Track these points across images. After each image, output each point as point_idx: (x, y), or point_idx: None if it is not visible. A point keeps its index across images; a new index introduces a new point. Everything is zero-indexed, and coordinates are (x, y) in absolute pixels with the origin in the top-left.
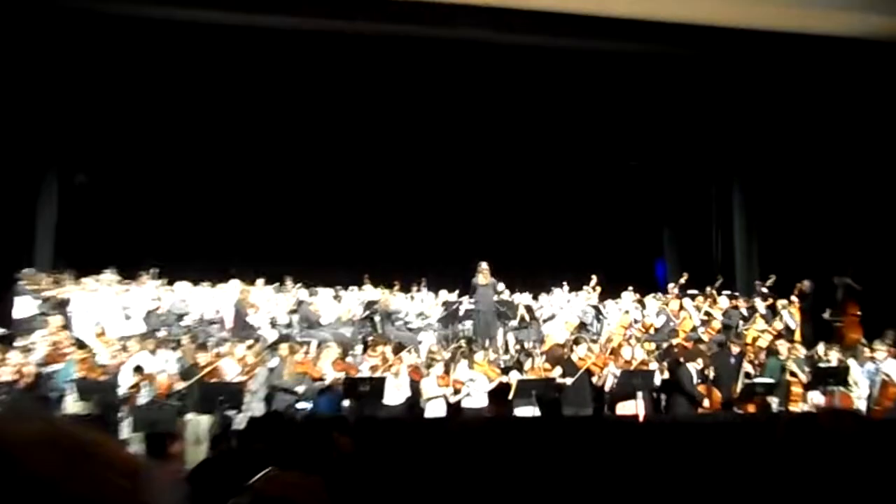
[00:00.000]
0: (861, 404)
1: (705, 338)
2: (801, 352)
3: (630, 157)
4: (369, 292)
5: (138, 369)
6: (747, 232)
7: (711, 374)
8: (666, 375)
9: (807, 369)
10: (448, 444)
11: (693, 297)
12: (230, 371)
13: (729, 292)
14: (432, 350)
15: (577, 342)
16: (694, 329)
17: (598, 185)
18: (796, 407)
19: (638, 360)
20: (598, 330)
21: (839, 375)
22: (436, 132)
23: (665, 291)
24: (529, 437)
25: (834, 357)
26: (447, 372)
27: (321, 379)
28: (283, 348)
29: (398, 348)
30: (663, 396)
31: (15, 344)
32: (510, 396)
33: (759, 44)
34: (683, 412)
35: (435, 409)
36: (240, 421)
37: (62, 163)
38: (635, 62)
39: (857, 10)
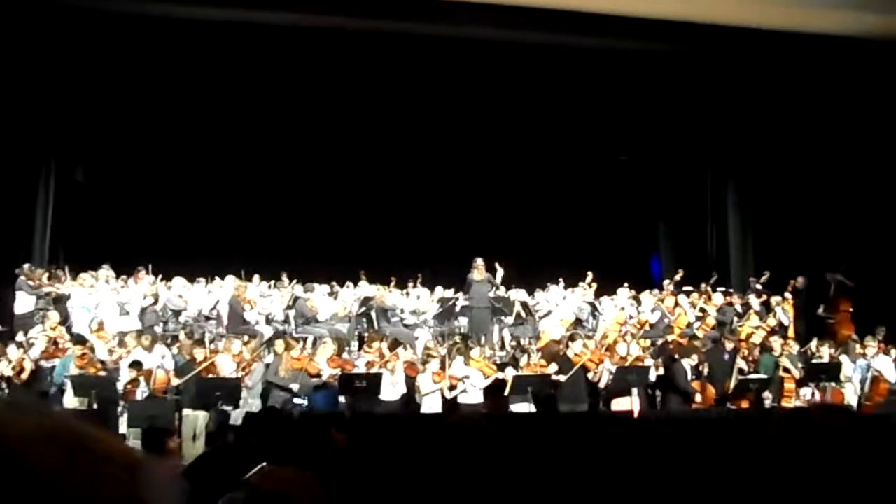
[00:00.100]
0: (852, 400)
1: (700, 334)
2: (795, 348)
3: (625, 154)
4: (365, 289)
5: (136, 365)
6: (742, 229)
7: (706, 370)
8: (661, 372)
9: (800, 365)
10: (444, 439)
11: (688, 293)
12: (226, 367)
13: (723, 289)
14: (428, 346)
15: (572, 338)
16: (689, 325)
17: (594, 182)
18: (789, 403)
19: (633, 357)
20: (594, 326)
21: (831, 372)
22: (430, 129)
23: (660, 288)
24: (525, 433)
25: (826, 353)
26: (443, 368)
27: (318, 375)
28: (280, 344)
29: (394, 344)
30: (658, 392)
31: (14, 339)
32: (506, 392)
33: (754, 41)
34: (678, 408)
35: (431, 405)
36: (236, 417)
37: (60, 159)
38: (631, 58)
39: (853, 8)
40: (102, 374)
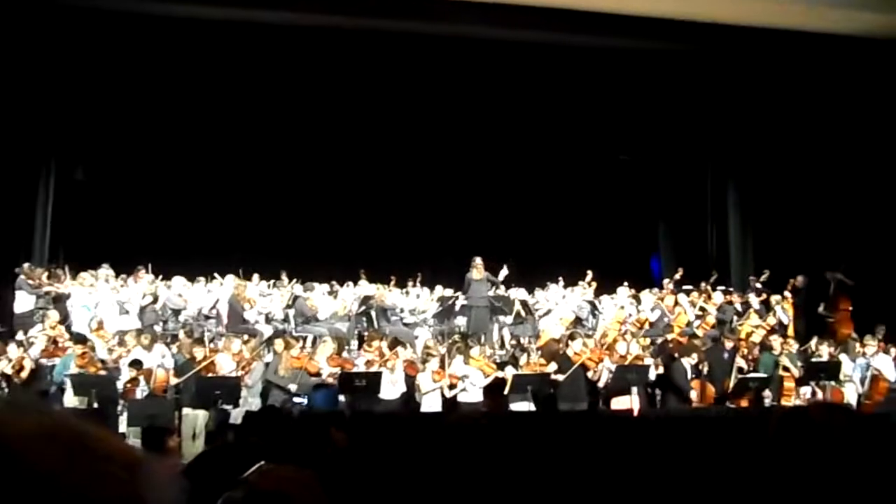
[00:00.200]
0: (852, 399)
1: (699, 333)
2: (794, 347)
3: (625, 153)
4: (365, 288)
5: (135, 364)
6: (742, 228)
7: (705, 368)
8: (661, 370)
9: (800, 364)
10: (443, 438)
11: (688, 292)
12: (226, 366)
13: (723, 288)
14: (428, 345)
15: (572, 337)
16: (688, 324)
17: (594, 181)
18: (789, 402)
19: (633, 355)
20: (594, 325)
21: (831, 370)
22: (430, 129)
23: (660, 287)
24: (525, 431)
25: (825, 352)
26: (443, 367)
27: (317, 374)
28: (279, 343)
29: (394, 343)
30: (658, 391)
31: (14, 338)
32: (506, 391)
33: (754, 40)
34: (678, 407)
35: (431, 404)
36: (236, 415)
37: (60, 159)
38: (631, 58)
39: (852, 7)
40: (103, 373)
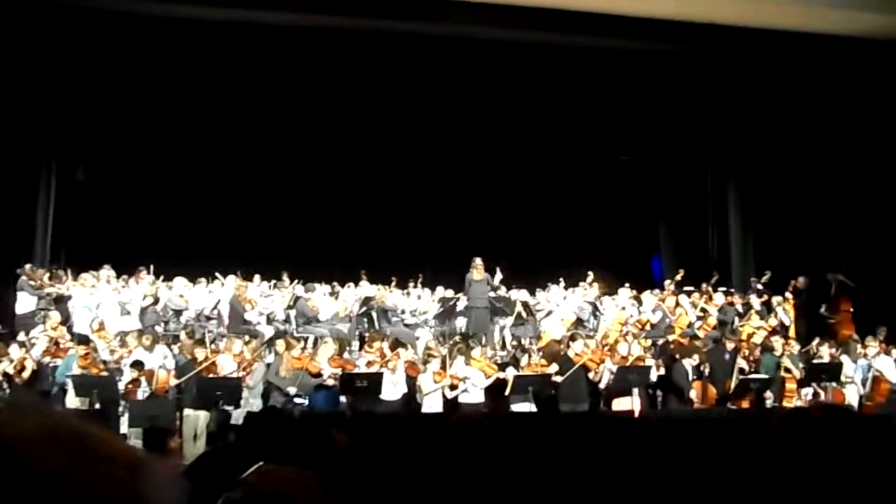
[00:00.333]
0: (853, 400)
1: (701, 334)
2: (796, 348)
3: (626, 154)
4: (366, 288)
5: (137, 365)
6: (743, 229)
7: (706, 370)
8: (662, 372)
9: (801, 365)
10: (444, 439)
11: (689, 293)
12: (227, 367)
13: (724, 289)
14: (429, 346)
15: (573, 338)
16: (690, 325)
17: (595, 182)
18: (790, 403)
19: (634, 357)
20: (595, 326)
21: (832, 372)
22: (431, 129)
23: (661, 288)
24: (526, 432)
25: (826, 353)
26: (444, 368)
27: (318, 375)
28: (280, 344)
29: (395, 344)
30: (659, 392)
31: (16, 339)
32: (507, 392)
33: (754, 41)
34: (679, 408)
35: (432, 405)
36: (237, 416)
37: (61, 160)
38: (631, 58)
39: (852, 7)
40: (104, 374)
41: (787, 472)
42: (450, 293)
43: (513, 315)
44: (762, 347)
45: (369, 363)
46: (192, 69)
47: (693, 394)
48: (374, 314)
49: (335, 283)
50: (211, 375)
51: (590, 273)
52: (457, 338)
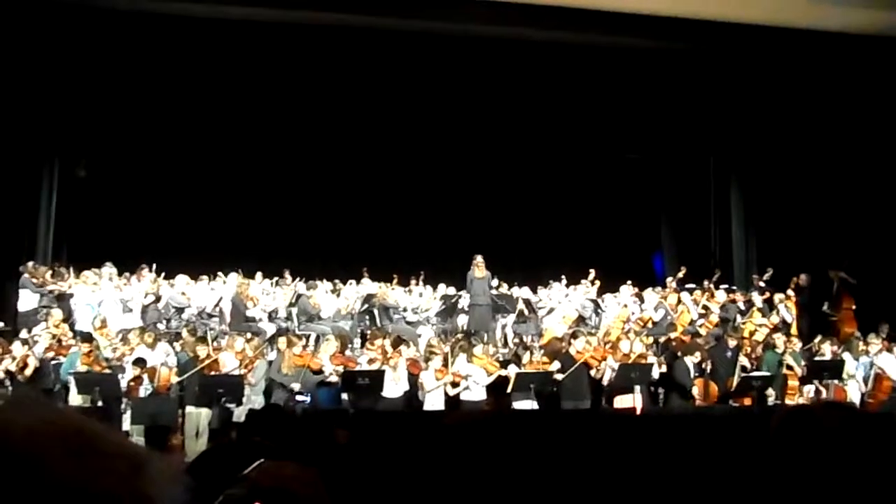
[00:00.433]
0: (855, 397)
1: (703, 331)
2: (798, 345)
3: (628, 151)
4: (367, 286)
5: (139, 362)
6: (745, 226)
7: (708, 367)
8: (664, 369)
9: (803, 363)
10: (446, 436)
11: (691, 290)
12: (229, 364)
13: (726, 286)
14: (431, 343)
15: (575, 336)
16: (691, 323)
17: (597, 179)
18: (792, 400)
19: (636, 354)
20: (597, 324)
21: (834, 369)
22: (434, 126)
23: (663, 285)
24: (528, 430)
25: (828, 350)
26: (446, 365)
27: (320, 371)
28: (282, 342)
29: (397, 342)
30: (661, 390)
31: (18, 336)
32: (509, 390)
33: (757, 38)
34: (681, 405)
35: (434, 402)
36: (239, 414)
37: (63, 157)
38: (633, 56)
39: (856, 4)
40: (108, 371)
41: (788, 469)
42: (451, 290)
43: (514, 312)
44: (764, 345)
45: (371, 360)
46: (195, 66)
47: (695, 391)
48: (375, 312)
49: (337, 281)
50: (213, 373)
51: (591, 270)
52: (459, 335)
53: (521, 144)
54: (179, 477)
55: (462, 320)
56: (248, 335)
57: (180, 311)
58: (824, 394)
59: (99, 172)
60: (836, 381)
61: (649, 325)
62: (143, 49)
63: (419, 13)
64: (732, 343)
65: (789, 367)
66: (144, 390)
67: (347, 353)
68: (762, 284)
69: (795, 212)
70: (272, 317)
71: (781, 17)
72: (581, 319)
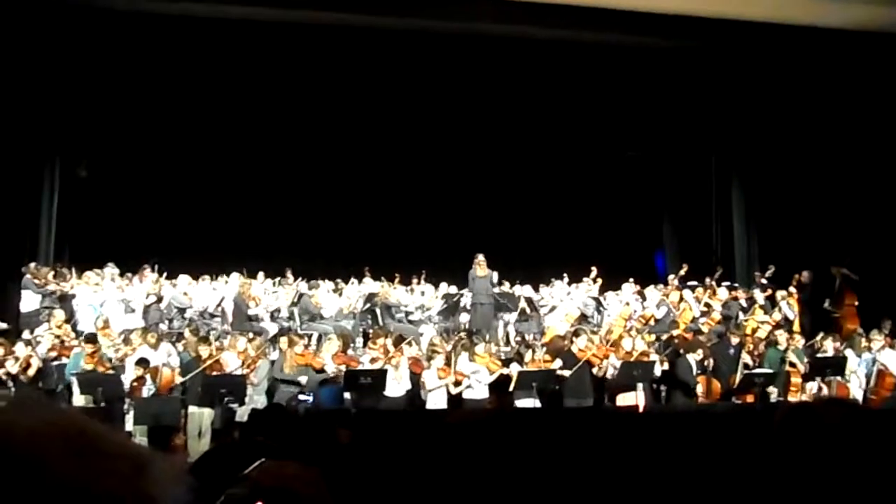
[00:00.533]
0: (858, 394)
1: (705, 329)
2: (800, 342)
3: (630, 149)
4: (369, 285)
5: (142, 362)
6: (746, 223)
7: (711, 364)
8: (666, 366)
9: (805, 360)
10: (448, 435)
11: (693, 288)
12: (232, 364)
13: (728, 283)
14: (433, 342)
15: (577, 334)
16: (694, 320)
17: (598, 177)
18: (795, 397)
19: (638, 352)
20: (599, 321)
21: (837, 366)
22: (435, 125)
23: (665, 283)
24: (530, 428)
25: (830, 347)
26: (448, 364)
27: (322, 370)
28: (284, 341)
29: (399, 340)
30: (663, 387)
31: (21, 337)
32: (511, 388)
33: (758, 35)
34: (683, 403)
35: (436, 401)
36: (242, 413)
37: (64, 157)
38: (634, 54)
39: (856, 1)
40: (111, 371)
41: (791, 466)
42: (453, 289)
43: (516, 311)
44: (766, 342)
45: (373, 360)
46: (196, 66)
47: (698, 389)
48: (377, 311)
49: (339, 280)
50: (215, 373)
51: (593, 268)
52: (462, 334)
53: (523, 142)
54: (182, 477)
55: (464, 319)
56: (251, 335)
57: (182, 311)
58: (825, 391)
59: (100, 172)
60: (838, 378)
61: (651, 322)
62: (144, 49)
63: (420, 12)
64: (735, 340)
65: (792, 364)
66: (147, 390)
67: (350, 352)
68: (764, 281)
69: (797, 208)
70: (274, 316)
71: (782, 14)
72: (583, 317)
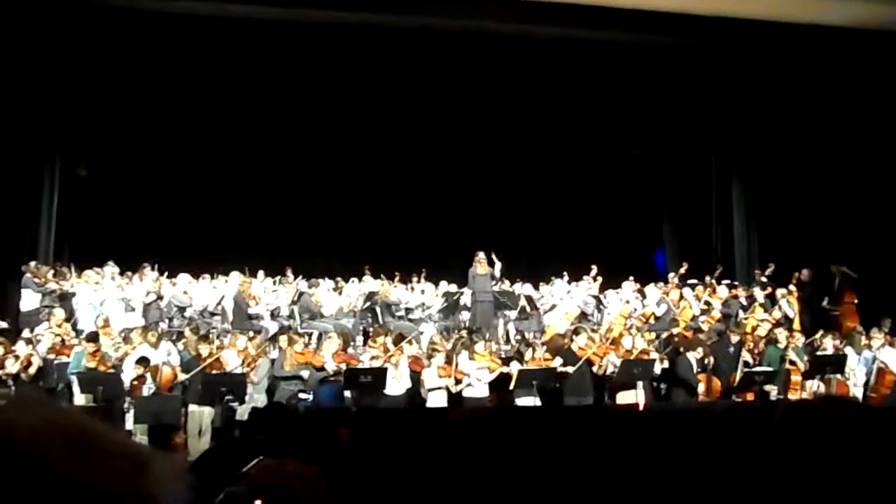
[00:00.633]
0: (858, 392)
1: (705, 327)
2: (800, 340)
3: (630, 147)
4: (369, 283)
5: (142, 361)
6: (746, 221)
7: (711, 362)
8: (666, 365)
9: (805, 358)
10: (448, 433)
11: (693, 286)
12: (232, 363)
13: (728, 282)
14: (434, 341)
15: (577, 332)
16: (694, 318)
17: (599, 176)
18: (795, 395)
19: (638, 350)
20: (599, 320)
21: (837, 364)
22: (436, 124)
23: (665, 281)
24: (530, 426)
25: (829, 345)
26: (448, 362)
27: (322, 368)
28: (283, 340)
29: (399, 339)
30: (663, 385)
31: (21, 336)
32: (511, 386)
33: (758, 33)
34: (683, 401)
35: (436, 400)
36: (242, 412)
37: (64, 157)
38: (635, 53)
39: None
40: (112, 370)
41: (791, 464)
42: (453, 288)
43: (516, 309)
44: (766, 340)
45: (373, 358)
46: (196, 65)
47: (698, 386)
48: (377, 309)
49: (339, 279)
50: (215, 371)
51: (593, 267)
52: (463, 332)
53: (523, 141)
54: (182, 476)
55: (464, 317)
56: (251, 333)
57: (182, 309)
58: (823, 388)
59: (100, 171)
60: (838, 376)
61: (651, 320)
62: (144, 47)
63: (422, 10)
64: (735, 338)
65: (791, 363)
66: (148, 389)
67: (350, 350)
68: (764, 280)
69: (797, 207)
70: (274, 315)
71: (782, 13)
72: (583, 316)
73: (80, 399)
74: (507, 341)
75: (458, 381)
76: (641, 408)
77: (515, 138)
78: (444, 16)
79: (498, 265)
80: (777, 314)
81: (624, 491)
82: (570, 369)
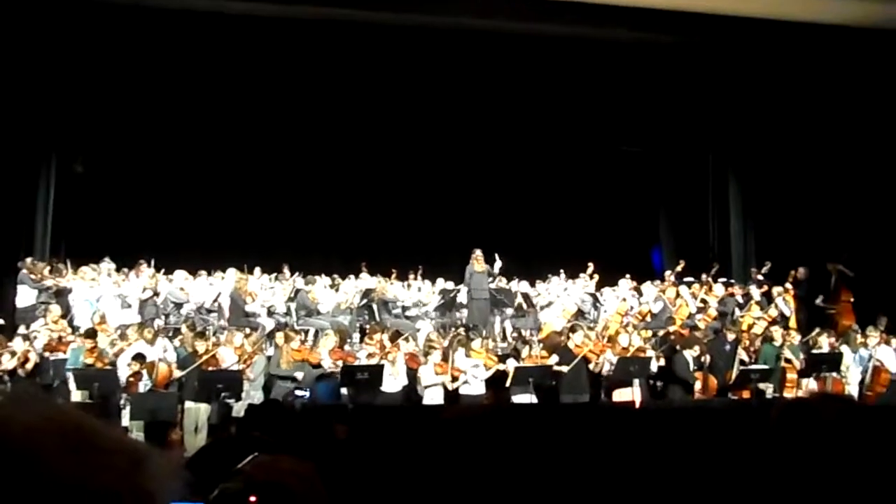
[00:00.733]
0: (854, 390)
1: (701, 325)
2: (796, 338)
3: (627, 145)
4: (366, 280)
5: (139, 357)
6: (743, 219)
7: (707, 360)
8: (662, 362)
9: (801, 356)
10: (445, 431)
11: (689, 284)
12: (228, 360)
13: (724, 280)
14: (430, 338)
15: (573, 330)
16: (690, 316)
17: (595, 173)
18: (791, 393)
19: (634, 348)
20: (595, 317)
21: (833, 362)
22: (432, 121)
23: (662, 279)
24: (527, 424)
25: (825, 343)
26: (445, 360)
27: (319, 365)
28: (280, 337)
29: (395, 336)
30: (660, 383)
31: (17, 332)
32: (507, 384)
33: (755, 31)
34: (679, 399)
35: (433, 397)
36: (239, 409)
37: (60, 153)
38: (631, 49)
39: None
40: (109, 367)
41: (788, 462)
42: (450, 285)
43: (513, 307)
44: (762, 338)
45: (370, 355)
46: (192, 62)
47: (694, 384)
48: (374, 306)
49: (336, 276)
50: (212, 368)
51: (590, 264)
52: (459, 330)
53: (520, 138)
54: (179, 472)
55: (461, 314)
56: (247, 330)
57: (179, 306)
58: (817, 387)
59: (96, 168)
60: (834, 374)
61: (648, 318)
62: (141, 44)
63: (418, 7)
64: (731, 336)
65: (788, 360)
66: (144, 386)
67: (346, 347)
68: (760, 278)
69: (793, 205)
70: (271, 312)
71: (779, 11)
72: (580, 313)
73: (76, 395)
74: (504, 339)
75: (454, 379)
76: (638, 405)
77: (511, 136)
78: (443, 13)
79: (498, 263)
80: (773, 312)
81: (620, 489)
82: (567, 367)
